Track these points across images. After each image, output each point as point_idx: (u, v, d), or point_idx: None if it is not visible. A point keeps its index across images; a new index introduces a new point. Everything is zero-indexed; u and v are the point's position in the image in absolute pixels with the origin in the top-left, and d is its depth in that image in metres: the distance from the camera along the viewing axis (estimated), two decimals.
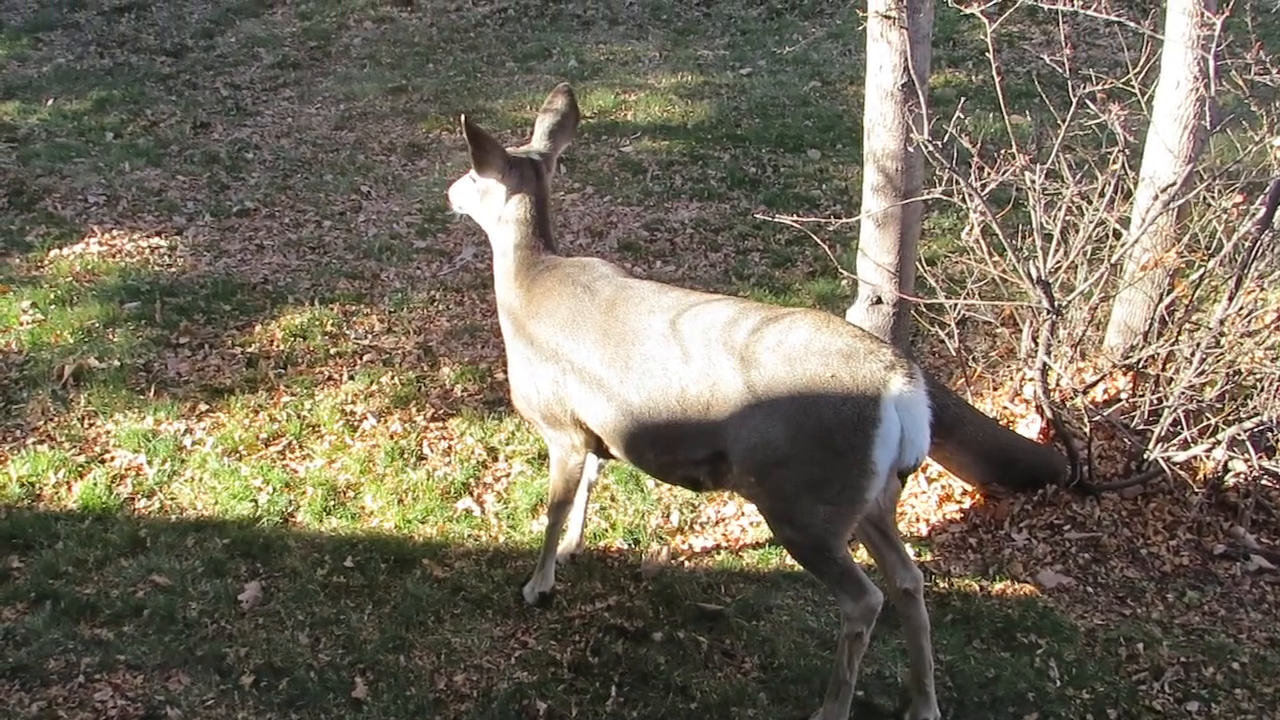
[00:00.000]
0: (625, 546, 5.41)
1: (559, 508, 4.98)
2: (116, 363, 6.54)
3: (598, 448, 4.73)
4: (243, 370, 6.57)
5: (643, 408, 4.36)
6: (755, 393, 4.08)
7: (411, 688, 4.61)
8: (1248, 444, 5.27)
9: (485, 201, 4.94)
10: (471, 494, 5.72)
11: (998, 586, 5.20)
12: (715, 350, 4.19)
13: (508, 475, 5.85)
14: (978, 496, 5.62)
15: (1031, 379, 5.64)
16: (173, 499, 5.64)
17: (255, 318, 7.07)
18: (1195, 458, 5.40)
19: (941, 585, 5.21)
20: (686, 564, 5.33)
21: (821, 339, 4.07)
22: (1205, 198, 5.41)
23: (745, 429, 4.11)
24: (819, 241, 6.36)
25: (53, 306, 7.07)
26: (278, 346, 6.80)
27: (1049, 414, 5.43)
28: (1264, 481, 5.37)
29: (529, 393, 4.76)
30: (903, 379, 3.96)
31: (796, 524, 4.14)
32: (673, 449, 4.37)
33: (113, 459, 5.88)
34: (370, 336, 6.92)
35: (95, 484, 5.68)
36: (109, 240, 7.91)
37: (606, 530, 5.49)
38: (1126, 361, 5.72)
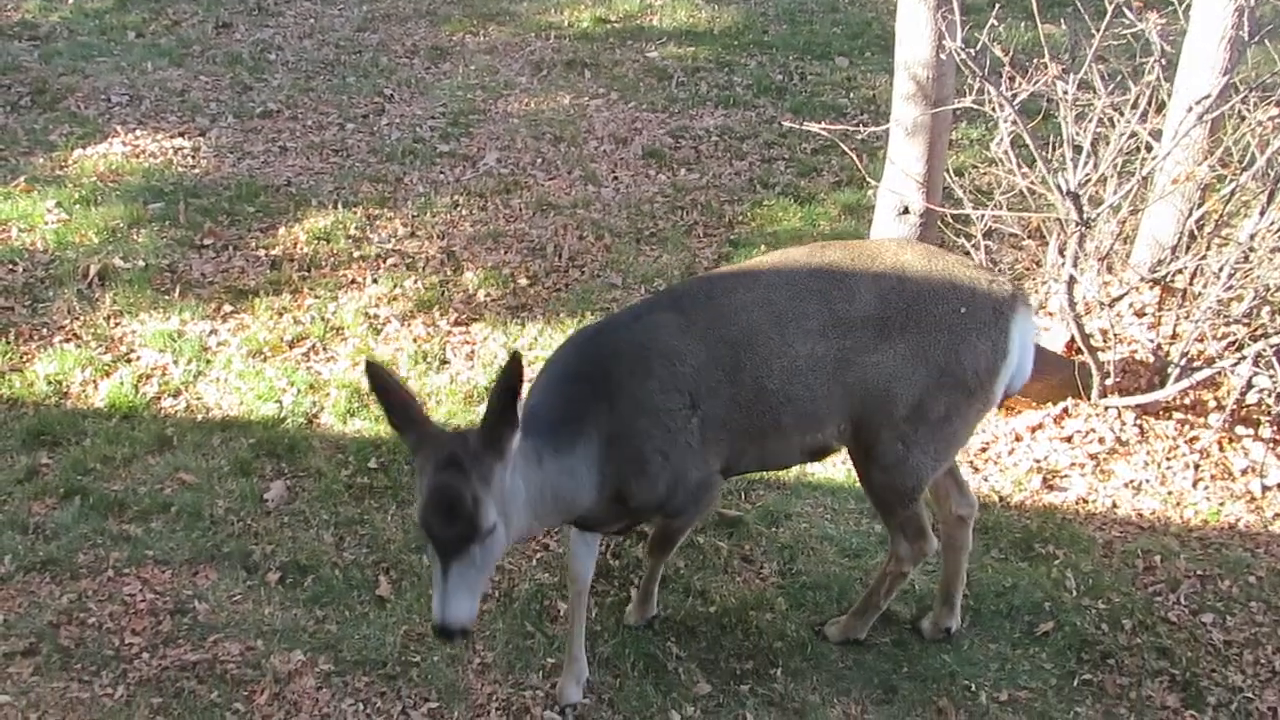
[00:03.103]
0: None
1: (674, 545, 4.35)
2: (141, 263, 6.55)
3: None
4: (267, 272, 6.58)
5: (775, 402, 3.86)
6: (885, 348, 3.83)
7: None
8: (1273, 359, 5.24)
9: (523, 466, 3.55)
10: None
11: (1017, 498, 5.22)
12: (830, 316, 3.83)
13: (530, 380, 5.85)
14: (999, 408, 5.62)
15: (1057, 292, 5.61)
16: (198, 399, 5.69)
17: (279, 220, 7.06)
18: (1219, 373, 5.39)
19: None
20: None
21: (939, 273, 3.88)
22: (1240, 110, 5.32)
23: (879, 385, 3.85)
24: (846, 150, 6.31)
25: (77, 206, 7.07)
26: (301, 249, 6.79)
27: (1074, 327, 5.41)
28: None
29: (682, 474, 3.86)
30: (1024, 307, 3.90)
31: (907, 468, 3.95)
32: (805, 430, 3.94)
33: (139, 358, 5.92)
34: (393, 240, 6.91)
35: (122, 383, 5.72)
36: (132, 140, 7.88)
37: None
38: (1154, 275, 5.68)
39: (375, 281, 6.53)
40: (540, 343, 6.09)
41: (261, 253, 6.75)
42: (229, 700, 4.17)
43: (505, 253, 6.84)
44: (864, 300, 3.84)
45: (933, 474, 4.02)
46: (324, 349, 6.05)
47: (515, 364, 3.24)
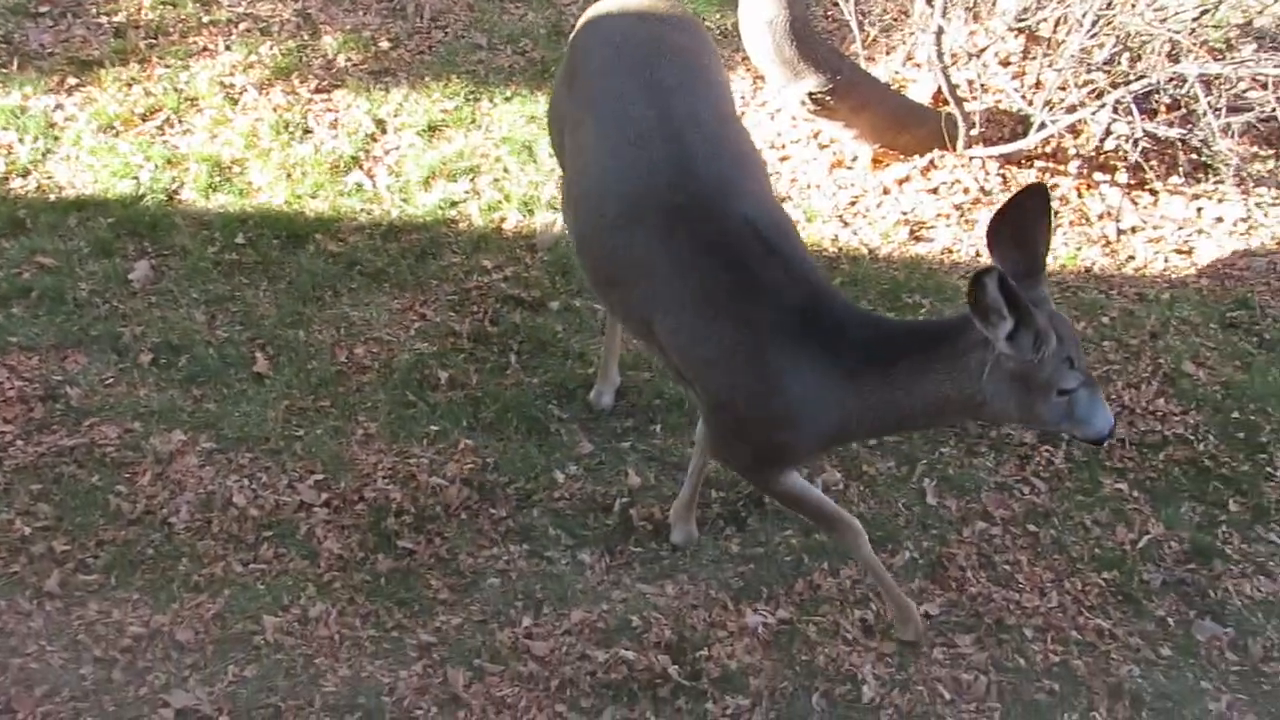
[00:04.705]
0: (519, 218, 5.41)
1: None
2: None
3: None
4: (111, 41, 6.22)
5: None
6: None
7: (313, 361, 4.66)
8: (1132, 106, 5.35)
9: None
10: (361, 167, 5.61)
11: (885, 250, 5.33)
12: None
13: (398, 148, 5.73)
14: (868, 161, 5.68)
15: (925, 43, 5.61)
16: (49, 178, 5.45)
17: None
18: (1080, 121, 5.49)
19: (830, 249, 5.33)
20: None
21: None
22: None
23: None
24: None
25: None
26: (146, 15, 6.43)
27: (941, 78, 5.43)
28: (1143, 143, 5.50)
29: None
30: None
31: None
32: None
33: None
34: (244, 3, 6.56)
35: None
36: None
37: (500, 202, 5.47)
38: (1020, 24, 5.70)
39: (228, 48, 6.23)
40: (405, 108, 5.93)
41: (103, 20, 6.37)
42: (111, 483, 4.16)
43: (364, 14, 6.57)
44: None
45: None
46: (179, 121, 5.80)
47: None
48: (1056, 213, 5.45)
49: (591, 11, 4.06)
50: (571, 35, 4.12)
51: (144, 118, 5.79)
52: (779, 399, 3.39)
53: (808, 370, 3.32)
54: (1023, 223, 3.19)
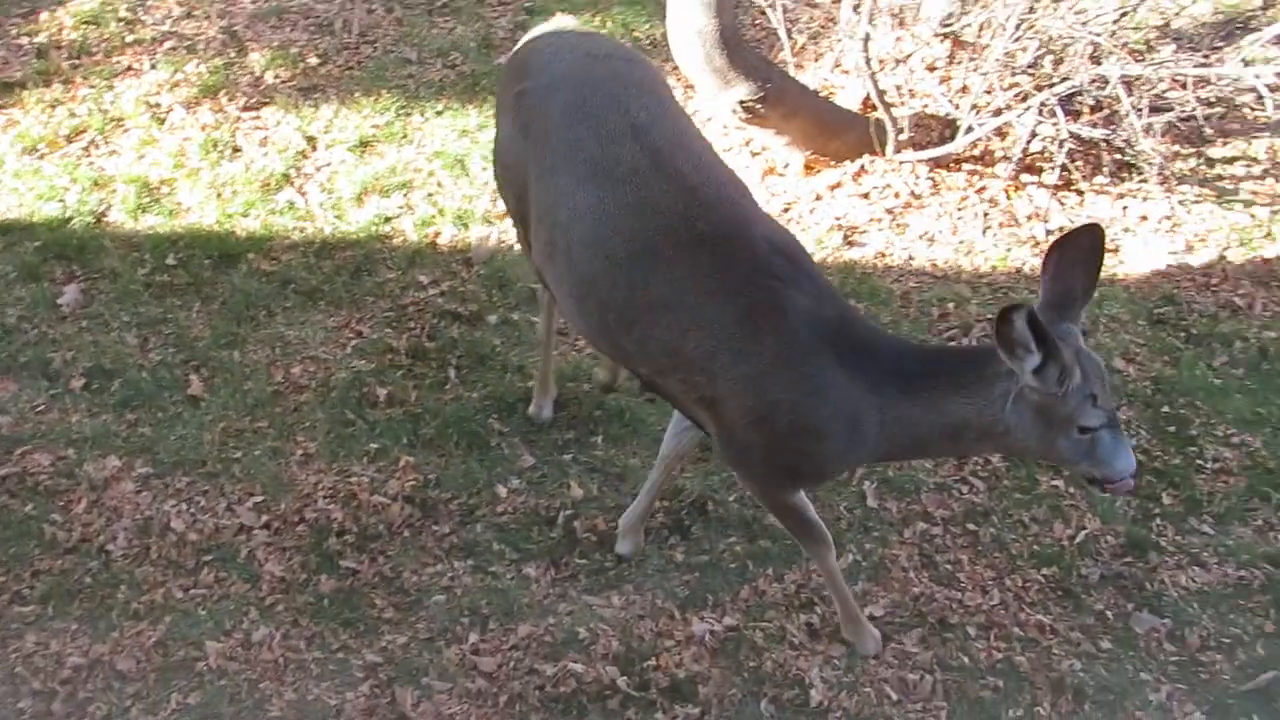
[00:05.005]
0: (454, 232, 5.39)
1: None
2: None
3: None
4: (33, 62, 6.14)
5: None
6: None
7: (248, 382, 4.62)
8: (1056, 108, 5.44)
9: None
10: (293, 185, 5.57)
11: (819, 255, 5.36)
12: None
13: (329, 165, 5.69)
14: (800, 168, 5.72)
15: (853, 49, 5.67)
16: None
17: (39, 4, 6.55)
18: (1006, 123, 5.57)
19: None
20: (516, 247, 5.34)
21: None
22: None
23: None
24: None
25: None
26: (68, 35, 6.35)
27: (869, 84, 5.49)
28: (1069, 145, 5.59)
29: None
30: None
31: None
32: None
33: None
34: (169, 21, 6.51)
35: None
36: None
37: (434, 217, 5.45)
38: (945, 29, 5.78)
39: (154, 67, 6.17)
40: (336, 124, 5.89)
41: (24, 40, 6.29)
42: (45, 512, 4.10)
43: (291, 31, 6.52)
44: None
45: None
46: (105, 142, 5.73)
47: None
48: (986, 214, 5.54)
49: (531, 59, 3.91)
50: (513, 83, 3.88)
51: (69, 139, 5.72)
52: (817, 412, 3.41)
53: (841, 385, 3.33)
54: (1072, 256, 3.23)
